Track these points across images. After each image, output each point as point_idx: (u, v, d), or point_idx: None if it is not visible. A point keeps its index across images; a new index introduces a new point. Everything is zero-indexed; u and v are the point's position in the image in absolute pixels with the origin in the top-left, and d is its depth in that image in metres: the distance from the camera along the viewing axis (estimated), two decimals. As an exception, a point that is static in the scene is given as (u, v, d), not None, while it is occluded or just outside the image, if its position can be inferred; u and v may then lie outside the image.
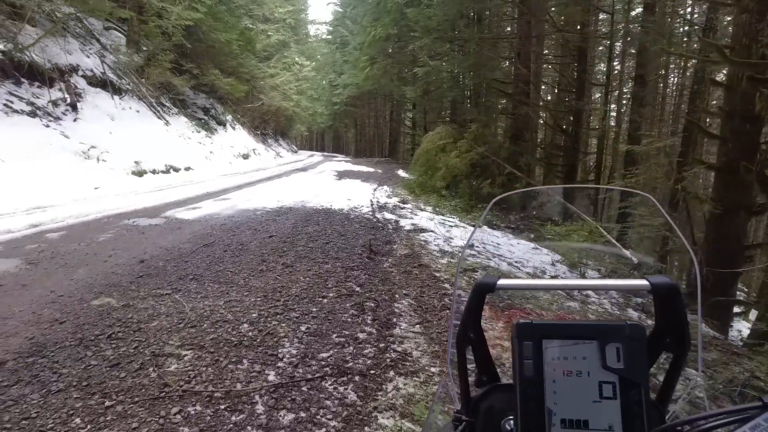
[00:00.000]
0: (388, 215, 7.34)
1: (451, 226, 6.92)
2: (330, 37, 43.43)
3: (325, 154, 47.79)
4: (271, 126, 36.09)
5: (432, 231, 6.26)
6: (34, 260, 4.08)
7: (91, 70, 11.84)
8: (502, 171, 11.16)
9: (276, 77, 28.48)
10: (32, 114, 8.87)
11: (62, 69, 10.60)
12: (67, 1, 12.79)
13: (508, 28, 16.41)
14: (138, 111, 13.05)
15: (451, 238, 5.94)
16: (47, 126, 8.98)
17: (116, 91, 12.47)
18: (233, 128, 20.76)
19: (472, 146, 11.24)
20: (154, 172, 10.97)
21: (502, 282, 0.64)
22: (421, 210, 8.37)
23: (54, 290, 3.40)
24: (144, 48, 15.32)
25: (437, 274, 4.26)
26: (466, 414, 0.67)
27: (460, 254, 5.08)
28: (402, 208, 8.22)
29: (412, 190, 11.45)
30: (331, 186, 10.63)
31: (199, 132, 16.29)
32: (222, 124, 19.45)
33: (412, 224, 6.62)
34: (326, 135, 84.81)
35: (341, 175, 14.54)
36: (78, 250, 4.49)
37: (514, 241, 6.47)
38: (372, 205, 8.25)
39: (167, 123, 14.31)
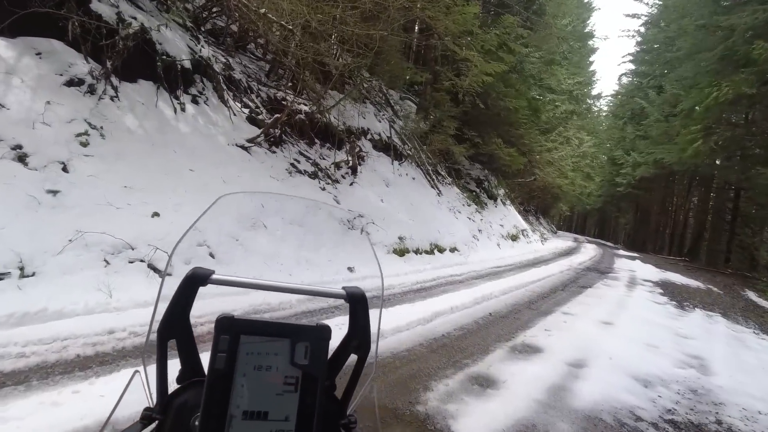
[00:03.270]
0: None
1: None
2: (618, 110, 38.08)
3: (591, 240, 41.24)
4: (533, 203, 33.17)
5: None
6: None
7: (379, 134, 11.27)
8: None
9: (554, 152, 25.56)
10: (313, 175, 8.14)
11: (353, 131, 10.11)
12: (374, 76, 13.25)
13: None
14: (414, 178, 11.89)
15: None
16: (322, 189, 8.09)
17: (397, 156, 11.61)
18: (504, 204, 18.46)
19: None
20: (417, 251, 9.12)
21: (216, 276, 0.65)
22: None
23: None
24: (431, 116, 14.65)
25: None
26: (160, 412, 0.65)
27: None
28: None
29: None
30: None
31: (469, 206, 14.43)
32: (493, 198, 17.36)
33: None
34: (589, 217, 76.34)
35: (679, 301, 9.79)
36: None
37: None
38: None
39: (439, 193, 12.83)
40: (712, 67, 15.50)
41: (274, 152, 7.68)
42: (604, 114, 47.53)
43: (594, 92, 40.79)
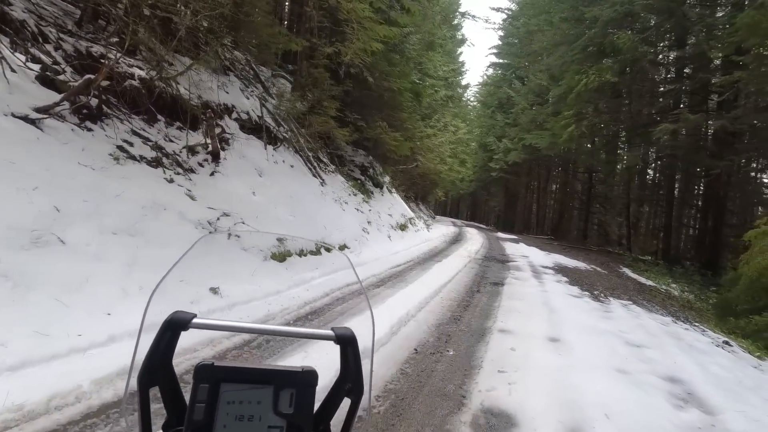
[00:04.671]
0: None
1: None
2: (487, 99, 40.28)
3: (468, 223, 43.51)
4: (414, 190, 33.58)
5: None
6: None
7: (248, 113, 9.29)
8: None
9: (433, 138, 25.69)
10: (155, 162, 6.00)
11: (213, 108, 8.02)
12: (240, 46, 11.08)
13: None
14: (292, 166, 10.17)
15: None
16: (169, 181, 6.01)
17: (272, 139, 9.76)
18: (390, 192, 17.61)
19: None
20: (301, 253, 7.52)
21: (197, 320, 0.63)
22: None
23: None
24: (309, 95, 12.95)
25: None
26: None
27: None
28: None
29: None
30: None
31: (355, 195, 13.16)
32: (379, 186, 16.36)
33: None
34: (462, 202, 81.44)
35: (572, 278, 9.60)
36: None
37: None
38: None
39: (323, 182, 11.31)
40: (578, 57, 16.46)
41: (90, 130, 5.39)
42: (472, 103, 50.29)
43: (464, 83, 42.71)
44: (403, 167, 23.41)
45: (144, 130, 6.32)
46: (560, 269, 10.37)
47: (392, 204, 16.25)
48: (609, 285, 9.04)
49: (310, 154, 11.83)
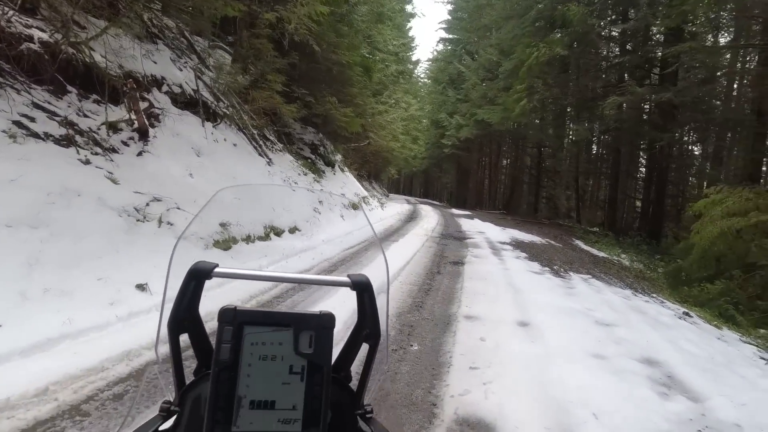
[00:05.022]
0: None
1: None
2: (437, 75, 39.94)
3: (421, 200, 43.64)
4: (366, 168, 33.16)
5: None
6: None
7: (181, 86, 8.36)
8: None
9: (385, 114, 25.15)
10: (65, 141, 5.13)
11: (138, 78, 7.07)
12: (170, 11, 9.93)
13: None
14: (235, 144, 9.38)
15: None
16: (86, 162, 5.19)
17: (210, 116, 8.90)
18: (342, 171, 17.01)
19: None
20: (248, 239, 6.90)
21: (219, 269, 0.67)
22: None
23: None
24: (252, 68, 12.00)
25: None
26: (178, 404, 0.66)
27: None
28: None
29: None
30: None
31: (305, 174, 12.50)
32: (330, 165, 15.72)
33: None
34: (415, 179, 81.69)
35: (528, 253, 9.50)
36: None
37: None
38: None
39: (270, 162, 10.57)
40: (528, 30, 16.33)
41: (-26, 102, 4.47)
42: (423, 80, 49.87)
43: (414, 58, 42.10)
44: (355, 145, 22.79)
45: (49, 102, 5.39)
46: (517, 244, 10.33)
47: (345, 183, 15.70)
48: (566, 259, 9.06)
49: (255, 131, 11.01)
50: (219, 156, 8.21)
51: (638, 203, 18.80)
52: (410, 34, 39.71)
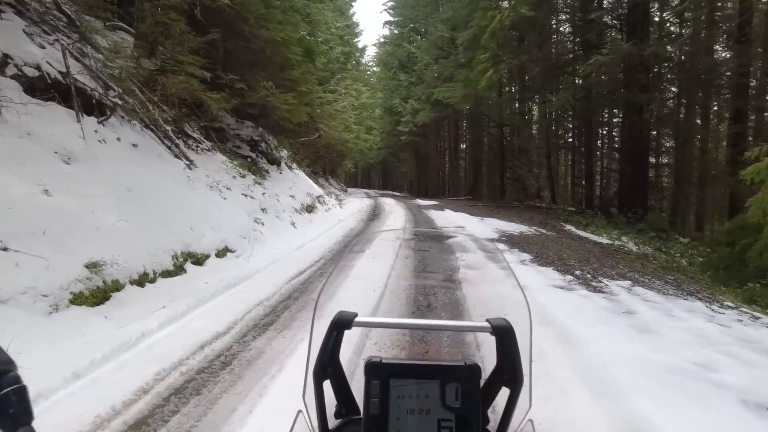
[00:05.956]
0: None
1: None
2: (387, 59, 37.89)
3: (381, 192, 41.77)
4: (320, 163, 31.09)
5: None
6: None
7: (38, 68, 5.97)
8: None
9: (334, 104, 23.04)
10: None
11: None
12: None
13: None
14: (135, 145, 7.08)
15: None
16: None
17: (89, 108, 6.54)
18: (290, 168, 14.81)
19: None
20: (141, 281, 4.73)
21: (358, 319, 0.70)
22: None
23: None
24: (161, 48, 9.61)
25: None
26: None
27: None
28: None
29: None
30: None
31: (243, 176, 10.27)
32: (276, 162, 13.50)
33: None
34: (372, 171, 79.52)
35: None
36: None
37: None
38: None
39: (191, 165, 8.31)
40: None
41: None
42: (373, 68, 47.76)
43: (360, 45, 39.88)
44: (305, 139, 20.63)
45: None
46: (509, 239, 8.56)
47: (294, 182, 13.53)
48: (575, 255, 7.32)
49: (168, 127, 8.68)
50: (105, 161, 5.92)
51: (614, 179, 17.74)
52: (354, 18, 37.54)
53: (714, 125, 17.04)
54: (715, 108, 16.16)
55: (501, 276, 4.90)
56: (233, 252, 6.80)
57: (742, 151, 12.83)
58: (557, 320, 3.76)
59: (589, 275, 5.67)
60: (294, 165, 16.22)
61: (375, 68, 46.98)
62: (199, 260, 5.92)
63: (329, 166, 34.72)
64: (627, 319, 3.85)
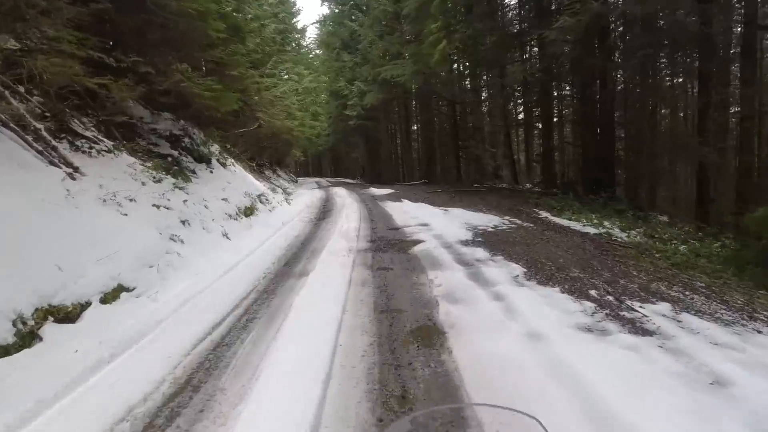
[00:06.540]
0: None
1: None
2: (328, 39, 35.63)
3: (333, 181, 39.86)
4: (265, 155, 28.86)
5: None
6: None
7: None
8: None
9: (273, 89, 20.91)
10: None
11: None
12: None
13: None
14: (-24, 153, 5.08)
15: None
16: None
17: None
18: (224, 165, 12.83)
19: None
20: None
21: None
22: None
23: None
24: (32, 24, 7.43)
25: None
26: None
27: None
28: None
29: None
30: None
31: (158, 182, 8.33)
32: (204, 160, 11.51)
33: None
34: (323, 158, 76.89)
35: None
36: None
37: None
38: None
39: (74, 174, 6.34)
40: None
41: None
42: (314, 51, 45.23)
43: (299, 26, 37.35)
44: (244, 130, 18.56)
45: None
46: (485, 240, 7.05)
47: (229, 182, 11.63)
48: (572, 257, 5.76)
49: (41, 126, 6.64)
50: None
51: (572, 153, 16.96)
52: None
53: (681, 93, 16.60)
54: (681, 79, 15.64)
55: (499, 313, 3.45)
56: (131, 291, 5.03)
57: (708, 118, 12.19)
58: (620, 417, 2.32)
59: (609, 296, 4.17)
60: (230, 160, 14.22)
61: (317, 51, 44.51)
62: (69, 314, 4.13)
63: (276, 156, 32.46)
64: (725, 401, 2.34)
